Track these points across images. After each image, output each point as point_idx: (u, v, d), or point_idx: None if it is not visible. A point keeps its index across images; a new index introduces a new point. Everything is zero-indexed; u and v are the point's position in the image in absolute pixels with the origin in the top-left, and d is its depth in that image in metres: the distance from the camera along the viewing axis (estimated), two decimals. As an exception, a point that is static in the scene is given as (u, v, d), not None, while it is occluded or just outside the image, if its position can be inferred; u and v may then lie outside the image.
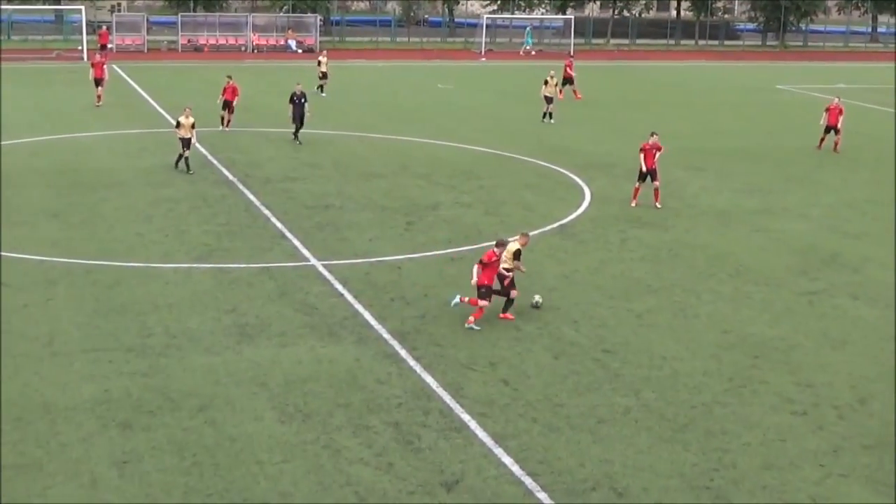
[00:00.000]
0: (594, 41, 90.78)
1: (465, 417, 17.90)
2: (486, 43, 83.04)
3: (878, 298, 25.10)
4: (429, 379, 19.47)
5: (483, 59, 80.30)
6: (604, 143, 43.76)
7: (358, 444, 16.80)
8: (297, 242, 28.07)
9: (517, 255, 22.69)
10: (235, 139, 42.35)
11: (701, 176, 38.15)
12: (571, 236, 29.72)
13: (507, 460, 16.42)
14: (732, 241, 29.61)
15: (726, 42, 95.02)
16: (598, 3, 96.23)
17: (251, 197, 32.85)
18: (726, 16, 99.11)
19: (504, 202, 33.28)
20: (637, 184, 33.16)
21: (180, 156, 35.90)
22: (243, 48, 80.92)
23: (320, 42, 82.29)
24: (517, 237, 23.32)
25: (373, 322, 22.28)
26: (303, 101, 41.78)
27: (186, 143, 35.71)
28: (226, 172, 36.13)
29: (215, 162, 37.68)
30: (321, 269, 25.86)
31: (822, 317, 23.82)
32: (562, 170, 38.15)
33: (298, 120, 41.84)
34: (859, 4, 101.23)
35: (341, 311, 22.88)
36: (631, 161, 39.29)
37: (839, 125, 42.46)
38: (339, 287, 24.45)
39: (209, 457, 16.22)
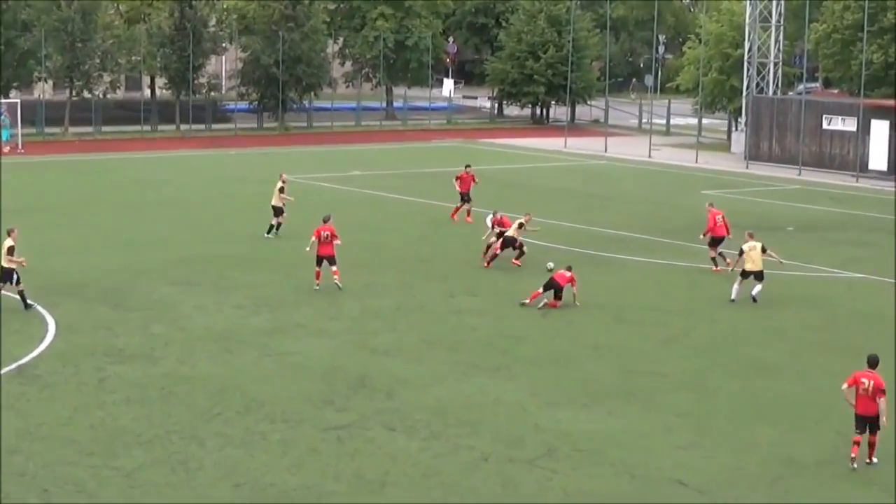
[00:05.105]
0: (48, 131, 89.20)
1: None
2: None
3: (418, 427, 26.02)
4: None
5: None
6: (66, 258, 42.78)
7: None
8: None
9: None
10: None
11: (195, 291, 38.27)
12: (34, 379, 28.96)
13: None
14: (239, 371, 29.93)
15: (214, 126, 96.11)
16: (52, 83, 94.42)
17: None
18: (213, 93, 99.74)
19: (-60, 341, 31.92)
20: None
21: None
22: None
23: None
24: None
25: None
26: None
27: None
28: None
29: None
30: None
31: (355, 455, 24.43)
32: (12, 295, 36.90)
33: None
34: (370, 76, 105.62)
35: None
36: (105, 279, 38.88)
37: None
38: None
39: None
